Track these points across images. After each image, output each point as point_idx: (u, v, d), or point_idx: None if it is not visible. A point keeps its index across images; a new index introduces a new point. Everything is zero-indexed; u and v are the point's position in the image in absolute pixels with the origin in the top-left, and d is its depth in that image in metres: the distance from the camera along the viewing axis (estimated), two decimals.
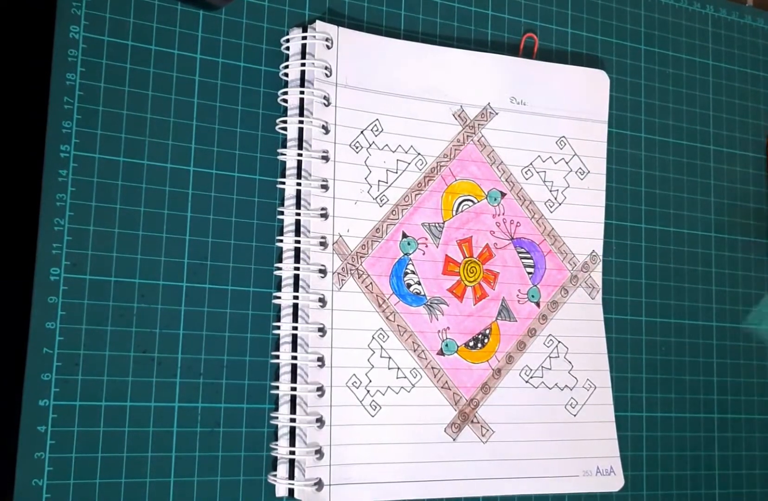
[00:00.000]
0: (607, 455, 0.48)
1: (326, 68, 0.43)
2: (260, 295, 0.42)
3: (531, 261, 0.48)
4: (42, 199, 0.38)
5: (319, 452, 0.41)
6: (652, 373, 0.51)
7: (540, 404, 0.47)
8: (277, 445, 0.41)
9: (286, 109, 0.43)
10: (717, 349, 0.54)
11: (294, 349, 0.41)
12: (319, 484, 0.40)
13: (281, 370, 0.41)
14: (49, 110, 0.39)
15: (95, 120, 0.40)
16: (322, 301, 0.42)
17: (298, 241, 0.42)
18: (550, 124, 0.49)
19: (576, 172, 0.49)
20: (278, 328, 0.42)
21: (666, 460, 0.51)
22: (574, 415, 0.48)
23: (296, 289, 0.42)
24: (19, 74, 0.40)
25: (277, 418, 0.41)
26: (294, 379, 0.41)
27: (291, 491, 0.40)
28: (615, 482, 0.48)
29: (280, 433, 0.41)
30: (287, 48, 0.43)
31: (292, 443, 0.41)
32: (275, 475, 0.41)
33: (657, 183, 0.53)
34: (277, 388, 0.41)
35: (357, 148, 0.43)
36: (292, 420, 0.41)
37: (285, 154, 0.42)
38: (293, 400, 0.41)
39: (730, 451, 0.53)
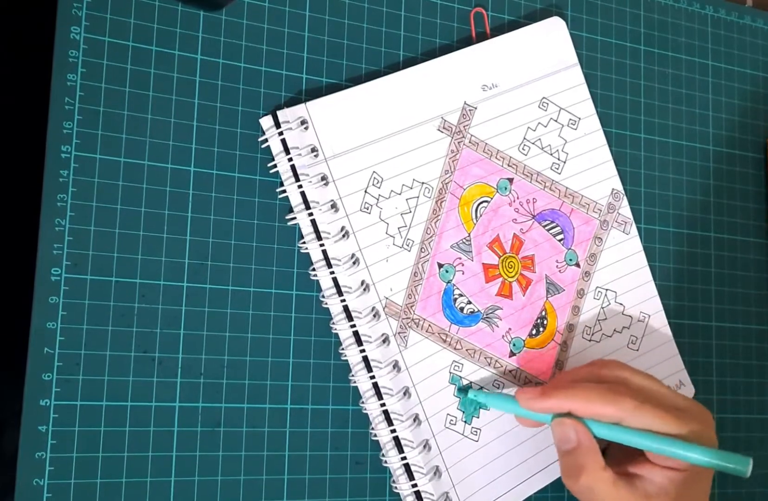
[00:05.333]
0: (674, 371, 0.50)
1: (312, 150, 0.42)
2: (260, 295, 0.42)
3: (558, 228, 0.48)
4: (43, 199, 0.39)
5: (445, 494, 0.43)
6: None
7: (605, 354, 0.48)
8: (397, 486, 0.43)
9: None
10: (716, 349, 0.54)
11: (390, 424, 0.42)
12: None
13: (386, 447, 0.43)
14: (50, 111, 0.39)
15: (96, 120, 0.40)
16: (396, 366, 0.43)
17: (354, 325, 0.42)
18: (526, 93, 0.48)
19: (568, 125, 0.49)
20: (365, 406, 0.43)
21: None
22: (637, 350, 0.50)
23: (369, 370, 0.42)
24: (19, 75, 0.40)
25: (401, 486, 0.42)
26: (401, 450, 0.42)
27: None
28: (687, 392, 0.51)
29: (396, 474, 0.43)
30: (267, 147, 0.43)
31: (411, 478, 0.42)
32: None
33: (656, 183, 0.53)
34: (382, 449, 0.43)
35: (367, 209, 0.43)
36: (413, 484, 0.42)
37: (307, 248, 0.43)
38: (400, 446, 0.42)
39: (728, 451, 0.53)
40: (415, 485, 0.42)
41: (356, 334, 0.42)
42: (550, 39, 0.49)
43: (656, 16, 0.55)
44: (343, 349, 0.43)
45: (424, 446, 0.42)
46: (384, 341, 0.42)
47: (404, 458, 0.42)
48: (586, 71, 0.51)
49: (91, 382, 0.39)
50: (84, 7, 0.40)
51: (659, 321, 0.51)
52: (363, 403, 0.43)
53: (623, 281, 0.50)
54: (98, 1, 0.40)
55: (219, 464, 0.40)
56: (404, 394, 0.42)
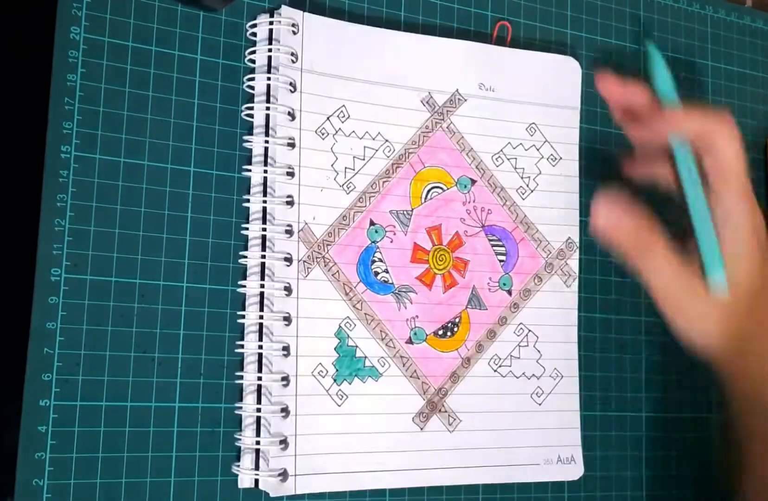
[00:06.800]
0: (569, 444, 0.47)
1: (292, 54, 0.42)
2: None
3: (503, 249, 0.48)
4: (43, 199, 0.39)
5: (284, 442, 0.40)
6: (652, 373, 0.51)
7: (507, 393, 0.46)
8: (242, 435, 0.40)
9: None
10: None
11: (260, 338, 0.41)
12: (284, 475, 0.40)
13: (246, 360, 0.41)
14: (50, 111, 0.39)
15: (96, 121, 0.40)
16: (288, 289, 0.41)
17: (264, 229, 0.41)
18: (519, 111, 0.48)
19: (548, 159, 0.49)
20: (243, 317, 0.41)
21: (667, 460, 0.51)
22: (539, 404, 0.47)
23: (262, 278, 0.41)
24: (19, 75, 0.40)
25: (241, 408, 0.40)
26: (260, 369, 0.41)
27: (256, 482, 0.40)
28: (575, 470, 0.47)
29: (245, 423, 0.40)
30: (254, 33, 0.43)
31: (258, 433, 0.40)
32: (239, 466, 0.40)
33: None
34: (242, 377, 0.41)
35: (323, 134, 0.43)
36: (258, 410, 0.40)
37: (251, 142, 0.42)
38: (259, 390, 0.41)
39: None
40: (259, 414, 0.40)
41: (262, 265, 0.41)
42: (560, 74, 0.50)
43: (656, 17, 0.55)
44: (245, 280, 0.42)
45: (283, 379, 0.41)
46: (286, 260, 0.41)
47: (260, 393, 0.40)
48: (585, 71, 0.51)
49: (90, 383, 0.39)
50: (84, 7, 0.40)
51: (570, 386, 0.48)
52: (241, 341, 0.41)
53: (549, 330, 0.48)
54: (98, 1, 0.40)
55: (219, 464, 0.40)
56: (284, 319, 0.41)
